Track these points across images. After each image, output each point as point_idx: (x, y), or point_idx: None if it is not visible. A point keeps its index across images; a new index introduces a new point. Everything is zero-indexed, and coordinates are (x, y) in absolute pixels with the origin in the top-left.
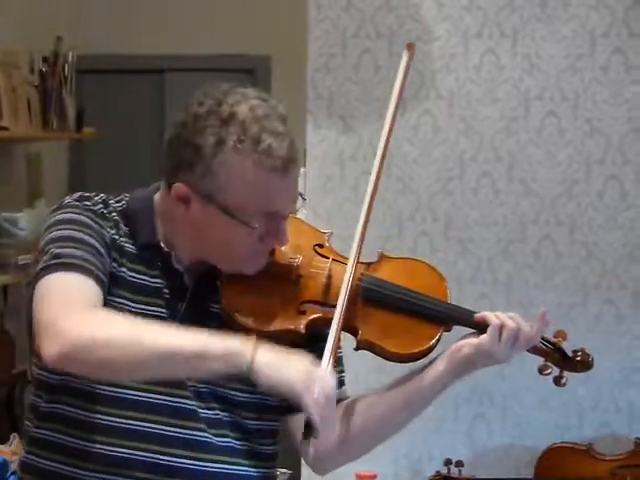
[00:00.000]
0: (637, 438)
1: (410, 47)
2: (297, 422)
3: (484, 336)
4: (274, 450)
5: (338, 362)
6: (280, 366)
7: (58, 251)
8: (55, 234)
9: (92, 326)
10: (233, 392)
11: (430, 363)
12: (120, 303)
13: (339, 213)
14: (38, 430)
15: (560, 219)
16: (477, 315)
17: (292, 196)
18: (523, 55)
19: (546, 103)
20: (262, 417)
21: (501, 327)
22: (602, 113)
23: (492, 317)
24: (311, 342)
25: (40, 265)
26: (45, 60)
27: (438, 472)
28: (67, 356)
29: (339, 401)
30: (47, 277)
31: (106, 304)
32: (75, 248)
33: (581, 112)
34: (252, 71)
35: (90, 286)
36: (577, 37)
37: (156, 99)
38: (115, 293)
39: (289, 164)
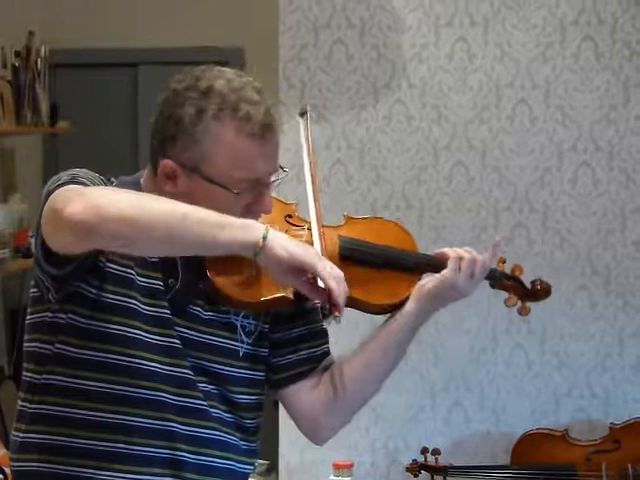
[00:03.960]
0: (612, 423)
1: (303, 113)
2: (288, 395)
3: (445, 270)
4: (257, 424)
5: (322, 334)
6: (293, 241)
7: (72, 176)
8: (66, 172)
9: (112, 190)
10: (219, 366)
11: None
12: (122, 270)
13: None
14: (38, 406)
15: (533, 206)
16: (437, 252)
17: (273, 163)
18: (494, 43)
19: (517, 91)
20: (249, 392)
21: (459, 258)
22: (573, 100)
23: (450, 251)
24: (298, 310)
25: (52, 187)
26: (17, 54)
27: (415, 460)
28: (92, 210)
29: (327, 368)
30: (64, 187)
31: (103, 270)
32: (90, 182)
33: (552, 100)
34: (225, 63)
35: None
36: (547, 25)
37: (129, 92)
38: (114, 260)
39: (267, 130)
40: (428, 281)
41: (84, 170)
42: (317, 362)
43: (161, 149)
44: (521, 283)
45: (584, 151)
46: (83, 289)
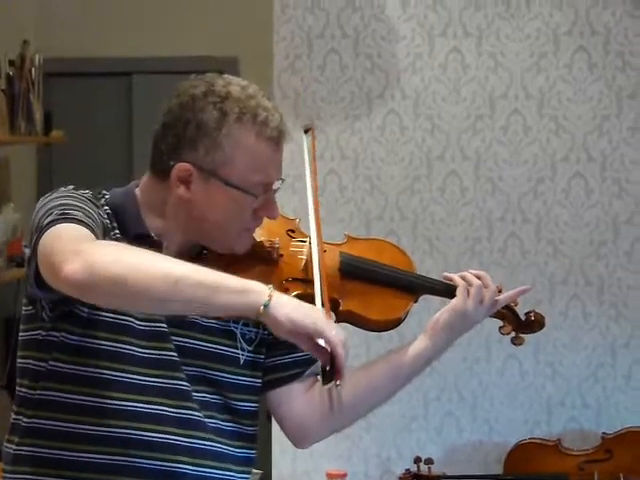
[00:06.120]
0: (604, 433)
1: (308, 130)
2: (277, 396)
3: (454, 298)
4: (255, 431)
5: None
6: (298, 306)
7: (63, 211)
8: (56, 202)
9: (111, 248)
10: (220, 374)
11: (413, 340)
12: None
13: (307, 213)
14: (33, 420)
15: (526, 217)
16: (444, 275)
17: (281, 169)
18: (488, 54)
19: (511, 101)
20: (249, 399)
21: (468, 285)
22: (567, 111)
23: (457, 278)
24: None
25: (44, 221)
26: (12, 63)
27: (408, 470)
28: (87, 271)
29: (316, 374)
30: (56, 226)
31: None
32: (80, 212)
33: (546, 110)
34: (220, 73)
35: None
36: (541, 35)
37: (124, 102)
38: None
39: (282, 135)
40: (440, 314)
41: (74, 193)
42: (307, 365)
43: (173, 154)
44: (515, 313)
45: (577, 161)
46: (77, 309)
